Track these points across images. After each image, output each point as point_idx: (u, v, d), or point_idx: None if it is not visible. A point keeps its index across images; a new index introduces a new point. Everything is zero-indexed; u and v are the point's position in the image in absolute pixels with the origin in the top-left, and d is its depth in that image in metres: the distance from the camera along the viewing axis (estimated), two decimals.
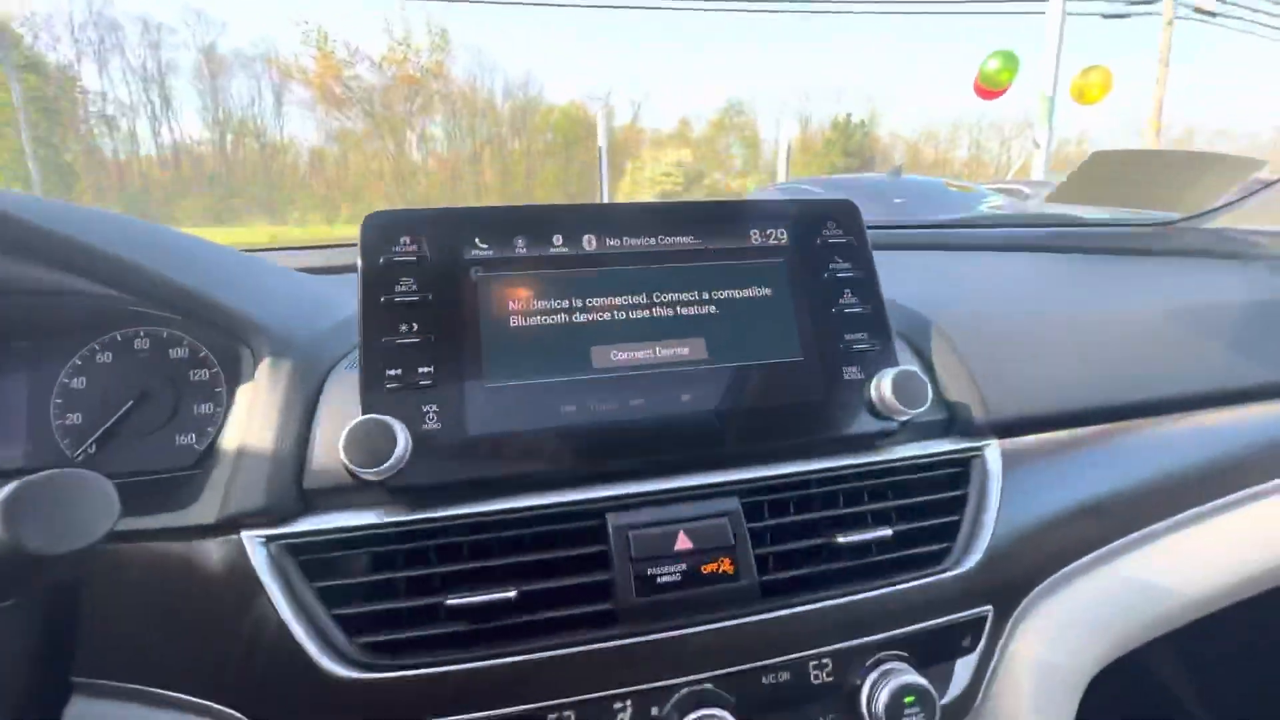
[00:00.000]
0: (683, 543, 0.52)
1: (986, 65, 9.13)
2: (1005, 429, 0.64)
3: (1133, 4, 16.71)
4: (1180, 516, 0.67)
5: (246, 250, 1.12)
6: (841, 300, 0.62)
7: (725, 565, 0.52)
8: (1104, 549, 0.64)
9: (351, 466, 0.47)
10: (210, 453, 0.54)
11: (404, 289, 0.54)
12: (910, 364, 0.65)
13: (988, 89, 9.43)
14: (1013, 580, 0.61)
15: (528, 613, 0.50)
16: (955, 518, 0.60)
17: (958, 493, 0.61)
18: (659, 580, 0.51)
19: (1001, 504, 0.61)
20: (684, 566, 0.52)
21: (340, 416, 0.54)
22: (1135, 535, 0.65)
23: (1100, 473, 0.67)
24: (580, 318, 0.57)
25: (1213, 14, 16.56)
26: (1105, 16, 17.04)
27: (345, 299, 0.61)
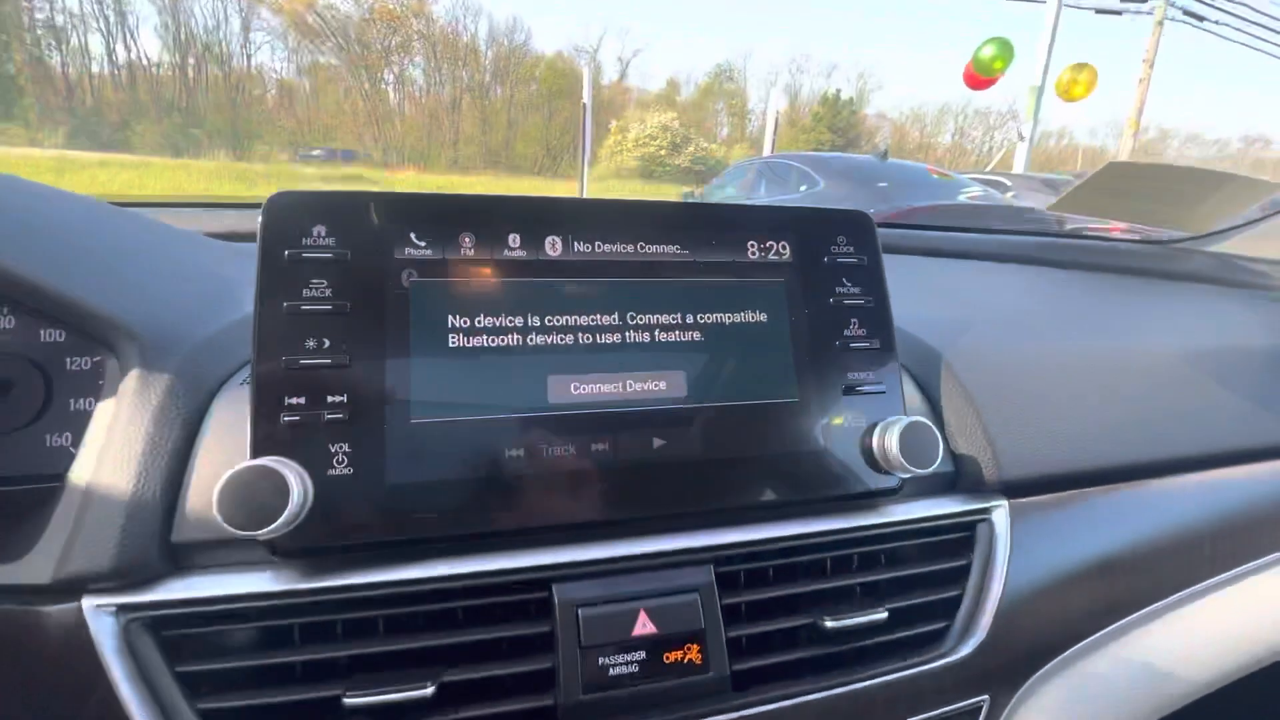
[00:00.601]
0: (643, 625, 0.43)
1: (981, 52, 9.01)
2: (1015, 488, 0.56)
3: (1125, 2, 16.70)
4: (1202, 585, 0.62)
5: (163, 203, 0.98)
6: (847, 332, 0.53)
7: (692, 653, 0.44)
8: (1115, 624, 0.58)
9: (229, 528, 0.37)
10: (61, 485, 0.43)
11: (314, 294, 0.43)
12: (915, 405, 0.57)
13: (980, 76, 9.33)
14: (1014, 663, 0.54)
15: (448, 711, 0.40)
16: (956, 592, 0.52)
17: (959, 562, 0.53)
18: (612, 672, 0.42)
19: (1007, 574, 0.53)
20: (643, 655, 0.43)
21: (227, 449, 0.43)
22: (1151, 608, 0.59)
23: (1111, 530, 0.60)
24: (536, 340, 0.46)
25: (1201, 18, 16.66)
26: (1098, 11, 17.01)
27: None
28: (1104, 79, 9.87)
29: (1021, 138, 9.64)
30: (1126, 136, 16.94)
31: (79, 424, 0.52)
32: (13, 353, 0.52)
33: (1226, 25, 16.49)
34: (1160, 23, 15.93)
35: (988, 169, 10.22)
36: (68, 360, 0.54)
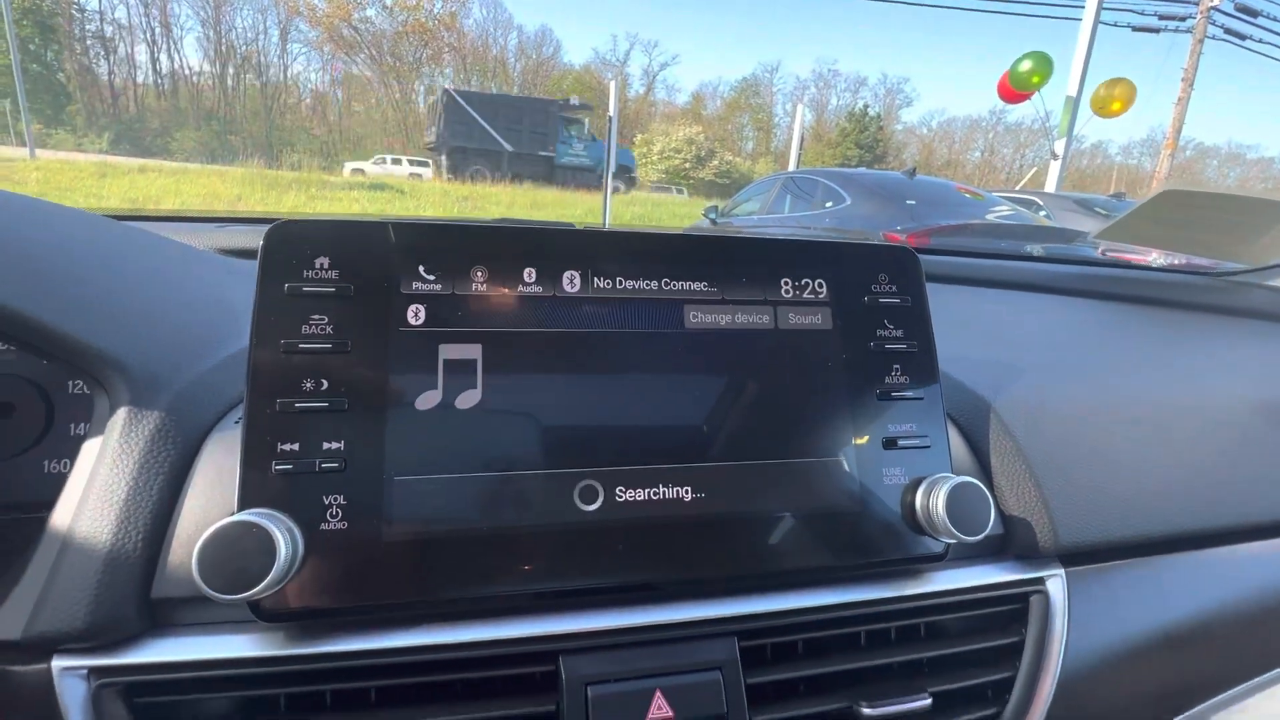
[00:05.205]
0: (659, 708, 0.39)
1: (1019, 66, 8.87)
2: (1071, 556, 0.51)
3: (1164, 19, 16.39)
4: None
5: (180, 218, 0.96)
6: (888, 379, 0.48)
7: None
8: (1190, 712, 0.52)
9: (208, 591, 0.34)
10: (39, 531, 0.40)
11: (314, 332, 0.40)
12: (961, 459, 0.52)
13: (1015, 90, 9.18)
14: None
15: None
16: (1007, 673, 0.47)
17: (1011, 639, 0.48)
18: None
19: (1064, 652, 0.48)
20: None
21: (216, 498, 0.40)
22: (1228, 694, 0.53)
23: (1179, 600, 0.54)
24: (550, 389, 0.43)
25: (1244, 36, 16.28)
26: (1135, 29, 16.70)
27: None
28: (1139, 96, 9.65)
29: (1055, 156, 9.42)
30: (1164, 156, 16.54)
31: (79, 449, 0.50)
32: (13, 374, 0.50)
33: (1271, 44, 16.09)
34: (1200, 40, 15.58)
35: (1018, 187, 10.01)
36: (69, 383, 0.51)
